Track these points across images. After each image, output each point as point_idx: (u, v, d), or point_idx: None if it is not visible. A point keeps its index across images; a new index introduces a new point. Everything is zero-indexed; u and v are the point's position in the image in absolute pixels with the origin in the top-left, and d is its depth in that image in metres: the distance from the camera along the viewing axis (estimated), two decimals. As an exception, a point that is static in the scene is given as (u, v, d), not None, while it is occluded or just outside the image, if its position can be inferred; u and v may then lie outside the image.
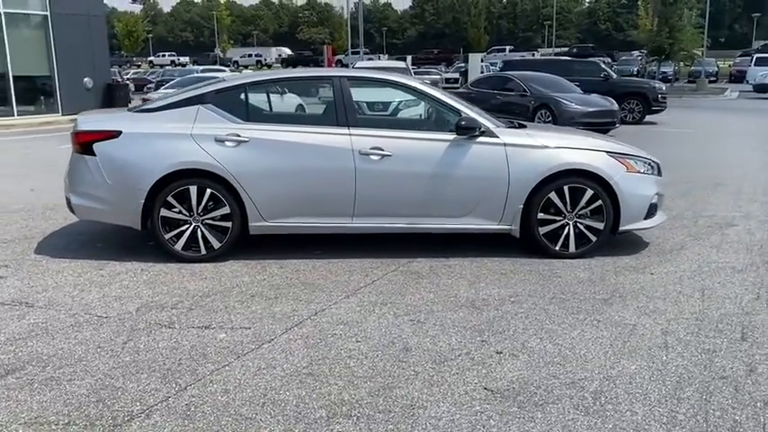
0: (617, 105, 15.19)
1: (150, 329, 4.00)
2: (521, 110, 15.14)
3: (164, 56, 74.79)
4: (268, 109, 5.49)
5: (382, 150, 5.22)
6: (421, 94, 5.60)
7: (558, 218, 5.38)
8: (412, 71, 15.08)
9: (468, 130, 5.25)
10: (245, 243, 5.54)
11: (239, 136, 5.19)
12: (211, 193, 5.17)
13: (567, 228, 5.39)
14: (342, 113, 5.34)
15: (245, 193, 5.18)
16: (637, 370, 3.48)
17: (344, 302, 4.46)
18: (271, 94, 5.75)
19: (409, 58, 25.19)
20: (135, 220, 5.24)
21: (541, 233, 5.38)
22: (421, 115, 6.30)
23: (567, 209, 5.36)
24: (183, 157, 5.15)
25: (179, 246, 5.25)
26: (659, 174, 5.76)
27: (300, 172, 5.21)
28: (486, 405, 3.13)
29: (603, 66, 18.82)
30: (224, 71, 28.85)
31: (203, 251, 5.27)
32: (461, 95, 17.57)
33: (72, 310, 4.32)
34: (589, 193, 5.32)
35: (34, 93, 19.74)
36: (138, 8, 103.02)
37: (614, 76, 18.43)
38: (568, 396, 3.21)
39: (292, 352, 3.69)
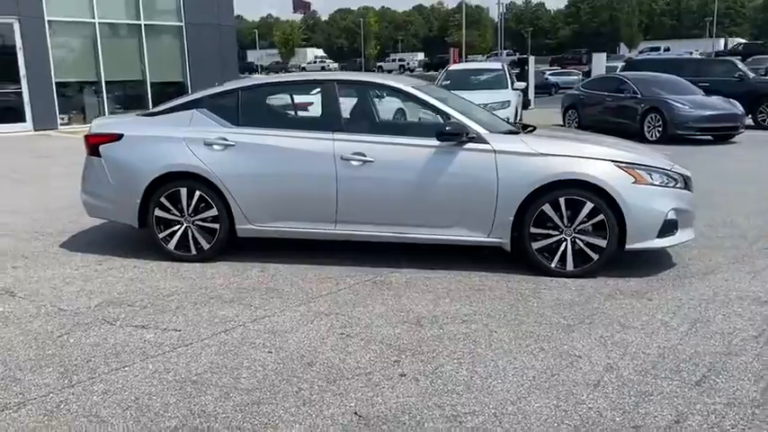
0: (741, 109, 13.63)
1: (91, 325, 4.16)
2: (630, 113, 14.09)
3: (315, 62, 78.28)
4: (258, 113, 5.52)
5: (364, 156, 5.06)
6: (409, 98, 5.36)
7: (554, 232, 4.91)
8: (509, 72, 14.46)
9: (452, 137, 4.94)
10: (250, 245, 5.62)
11: (226, 140, 5.27)
12: (200, 195, 5.30)
13: (564, 243, 4.91)
14: (327, 118, 5.25)
15: (231, 196, 5.25)
16: (538, 408, 3.08)
17: (291, 311, 4.37)
18: (262, 99, 5.78)
19: (532, 59, 24.16)
20: (133, 219, 5.49)
21: (534, 248, 4.94)
22: (415, 120, 6.03)
23: (563, 223, 4.88)
24: (174, 160, 5.32)
25: (171, 245, 5.43)
26: (686, 187, 5.08)
27: (283, 176, 5.19)
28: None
29: (740, 65, 16.94)
30: None
31: (193, 251, 5.41)
32: (572, 97, 16.79)
33: (43, 301, 4.60)
34: (589, 206, 4.81)
35: (169, 97, 21.13)
36: (299, 17, 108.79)
37: (751, 75, 16.56)
38: (437, 430, 2.91)
39: (198, 358, 3.67)
